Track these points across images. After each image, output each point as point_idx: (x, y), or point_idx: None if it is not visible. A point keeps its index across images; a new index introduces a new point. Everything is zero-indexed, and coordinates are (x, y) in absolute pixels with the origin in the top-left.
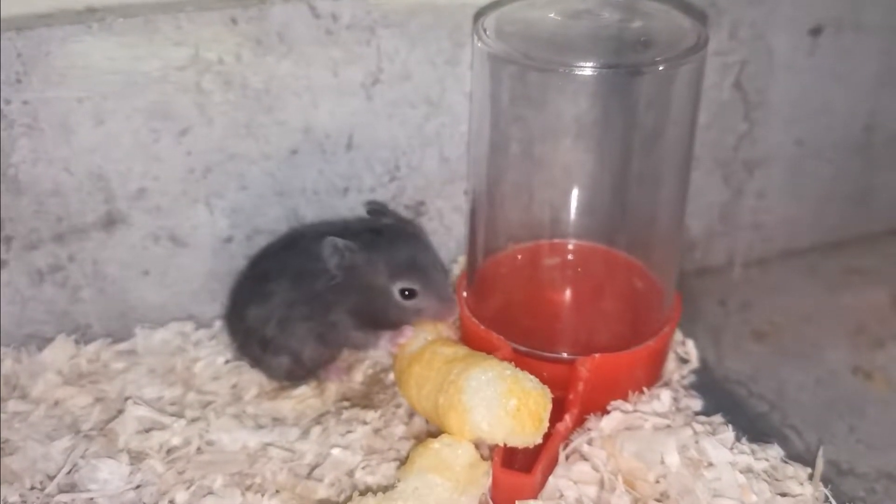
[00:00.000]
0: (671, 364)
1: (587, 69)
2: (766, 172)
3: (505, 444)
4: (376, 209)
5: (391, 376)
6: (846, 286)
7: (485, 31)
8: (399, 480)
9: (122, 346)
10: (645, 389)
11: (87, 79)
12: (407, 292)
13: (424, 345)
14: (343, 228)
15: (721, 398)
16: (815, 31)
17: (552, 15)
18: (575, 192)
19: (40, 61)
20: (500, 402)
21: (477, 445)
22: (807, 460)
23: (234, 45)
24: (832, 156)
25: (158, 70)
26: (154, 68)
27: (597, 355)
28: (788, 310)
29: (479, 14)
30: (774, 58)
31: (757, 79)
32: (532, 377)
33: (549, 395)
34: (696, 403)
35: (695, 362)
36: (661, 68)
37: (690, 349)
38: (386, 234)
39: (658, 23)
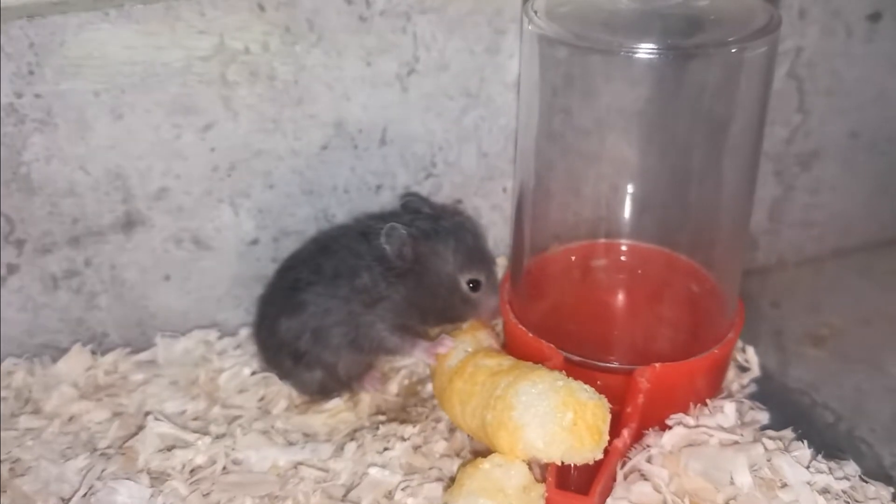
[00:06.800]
0: (730, 373)
1: (648, 51)
2: (819, 166)
3: (562, 462)
4: (413, 202)
5: (429, 387)
6: None
7: (535, 12)
8: None
9: (142, 356)
10: (707, 402)
11: (105, 70)
12: (472, 284)
13: (465, 357)
14: (386, 220)
15: (784, 409)
16: (874, 17)
17: None
18: (630, 188)
19: (54, 51)
20: (554, 416)
21: (529, 465)
22: (881, 476)
23: (260, 33)
24: (887, 148)
25: (180, 61)
26: (176, 59)
27: (657, 365)
28: (846, 312)
29: None
30: (830, 45)
31: (811, 67)
32: (587, 387)
33: (608, 406)
34: (763, 416)
35: (755, 370)
36: (732, 50)
37: (751, 356)
38: (443, 221)
39: (725, 2)
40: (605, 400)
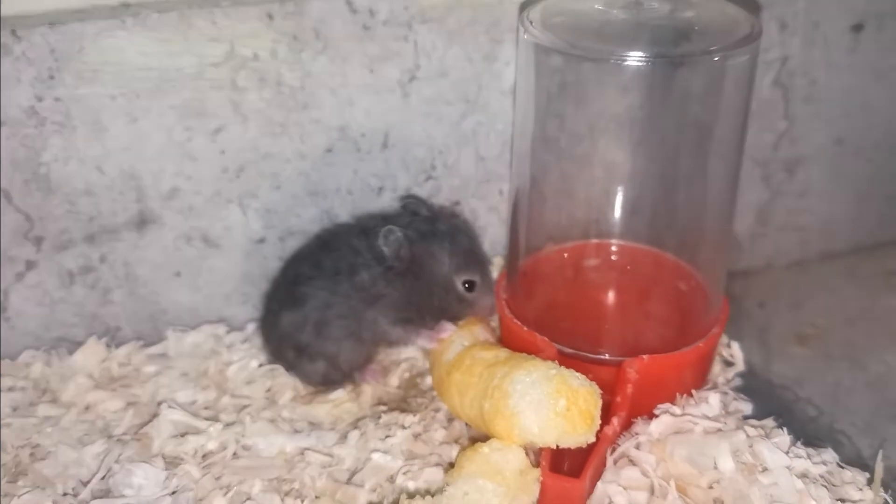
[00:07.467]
0: (715, 367)
1: (638, 59)
2: (805, 172)
3: (557, 447)
4: (412, 204)
5: (428, 380)
6: (888, 288)
7: (530, 21)
8: (448, 485)
9: (154, 349)
10: (693, 392)
11: (121, 75)
12: (467, 284)
13: (462, 351)
14: (384, 221)
15: (768, 402)
16: (857, 28)
17: (599, 6)
18: (621, 191)
19: (73, 57)
20: (548, 403)
21: (526, 451)
22: (860, 465)
23: (269, 41)
24: (872, 155)
25: (193, 67)
26: (188, 65)
27: (645, 357)
28: (831, 312)
29: (525, 5)
30: (815, 55)
31: (797, 76)
32: (578, 374)
33: (598, 392)
34: (746, 407)
35: (740, 365)
36: (715, 58)
37: (736, 352)
38: (440, 223)
39: (710, 13)
40: (596, 386)
